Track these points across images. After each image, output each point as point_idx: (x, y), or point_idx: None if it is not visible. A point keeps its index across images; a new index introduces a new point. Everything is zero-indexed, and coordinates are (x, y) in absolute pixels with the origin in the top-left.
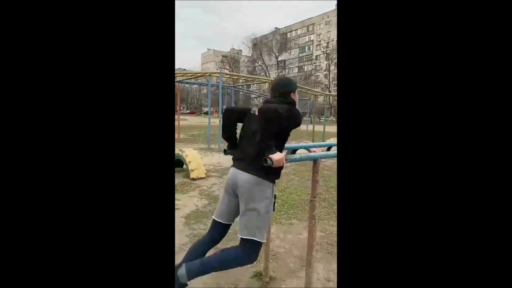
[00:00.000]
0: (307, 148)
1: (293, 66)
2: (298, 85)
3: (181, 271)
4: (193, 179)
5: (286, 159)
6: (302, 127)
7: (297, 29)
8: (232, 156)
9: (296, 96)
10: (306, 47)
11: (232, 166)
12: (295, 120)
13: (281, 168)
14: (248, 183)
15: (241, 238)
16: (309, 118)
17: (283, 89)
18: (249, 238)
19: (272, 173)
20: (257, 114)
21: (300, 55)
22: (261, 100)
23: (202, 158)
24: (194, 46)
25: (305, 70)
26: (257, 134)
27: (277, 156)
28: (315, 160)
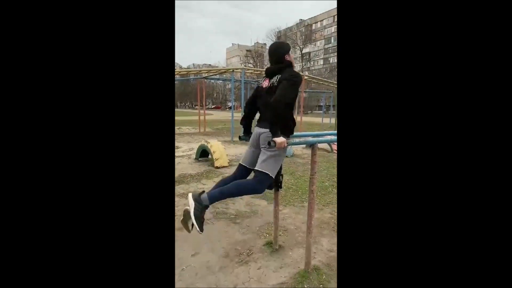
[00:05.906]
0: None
1: (318, 58)
2: (322, 78)
3: (204, 196)
4: (217, 168)
5: (287, 143)
6: (326, 120)
7: (322, 20)
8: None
9: (291, 56)
10: (332, 38)
11: (256, 126)
12: (298, 85)
13: (293, 126)
14: (266, 135)
15: (257, 170)
16: (334, 112)
17: (276, 55)
18: (263, 171)
19: (285, 130)
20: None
21: (326, 46)
22: None
23: (226, 149)
24: (219, 41)
25: (331, 62)
26: (271, 102)
27: (279, 140)
28: (312, 145)
